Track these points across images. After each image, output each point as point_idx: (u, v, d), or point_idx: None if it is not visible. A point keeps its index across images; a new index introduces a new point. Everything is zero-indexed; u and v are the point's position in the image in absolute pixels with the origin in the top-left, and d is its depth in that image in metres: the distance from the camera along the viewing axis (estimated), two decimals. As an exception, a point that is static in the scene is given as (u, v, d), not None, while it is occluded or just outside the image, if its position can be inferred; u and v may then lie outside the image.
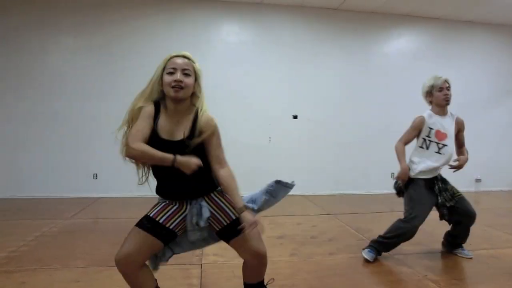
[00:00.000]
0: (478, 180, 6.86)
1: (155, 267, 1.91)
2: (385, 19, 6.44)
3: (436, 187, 3.09)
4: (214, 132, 1.78)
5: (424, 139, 3.12)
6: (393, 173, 6.39)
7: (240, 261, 2.52)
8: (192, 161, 1.66)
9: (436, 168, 3.10)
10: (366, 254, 3.12)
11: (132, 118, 1.75)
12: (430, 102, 3.21)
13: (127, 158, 1.71)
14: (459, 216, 3.07)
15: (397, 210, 5.17)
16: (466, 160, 3.14)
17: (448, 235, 3.33)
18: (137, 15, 5.79)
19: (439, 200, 3.06)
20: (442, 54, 6.65)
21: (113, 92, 5.71)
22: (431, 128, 3.11)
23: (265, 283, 2.06)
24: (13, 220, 4.37)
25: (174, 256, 2.75)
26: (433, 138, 3.11)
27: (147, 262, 1.83)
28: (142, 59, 5.78)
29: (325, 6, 6.16)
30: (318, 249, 3.35)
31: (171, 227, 1.79)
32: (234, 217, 1.80)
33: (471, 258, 3.19)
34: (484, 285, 2.61)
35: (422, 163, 3.09)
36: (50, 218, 4.36)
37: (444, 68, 6.60)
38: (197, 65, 1.79)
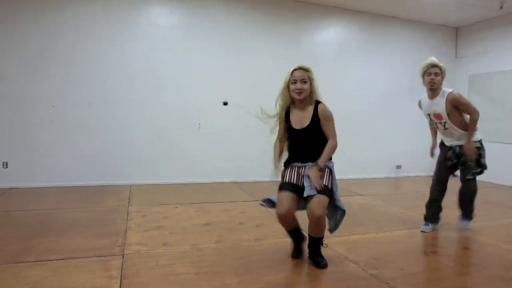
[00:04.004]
0: (398, 167, 7.35)
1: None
2: (316, 9, 6.57)
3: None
4: (327, 117, 2.60)
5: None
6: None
7: (165, 250, 2.94)
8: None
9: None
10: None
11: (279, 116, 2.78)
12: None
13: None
14: None
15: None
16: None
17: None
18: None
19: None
20: (368, 46, 6.97)
21: (25, 74, 5.17)
22: (428, 114, 3.47)
23: (323, 242, 2.67)
24: None
25: (93, 247, 2.66)
26: (434, 120, 3.45)
27: None
28: (60, 42, 5.33)
29: (259, -7, 6.13)
30: (245, 235, 3.35)
31: (294, 182, 2.67)
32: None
33: None
34: (399, 262, 2.78)
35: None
36: (-50, 211, 3.88)
37: (370, 60, 6.98)
38: (311, 73, 2.61)
